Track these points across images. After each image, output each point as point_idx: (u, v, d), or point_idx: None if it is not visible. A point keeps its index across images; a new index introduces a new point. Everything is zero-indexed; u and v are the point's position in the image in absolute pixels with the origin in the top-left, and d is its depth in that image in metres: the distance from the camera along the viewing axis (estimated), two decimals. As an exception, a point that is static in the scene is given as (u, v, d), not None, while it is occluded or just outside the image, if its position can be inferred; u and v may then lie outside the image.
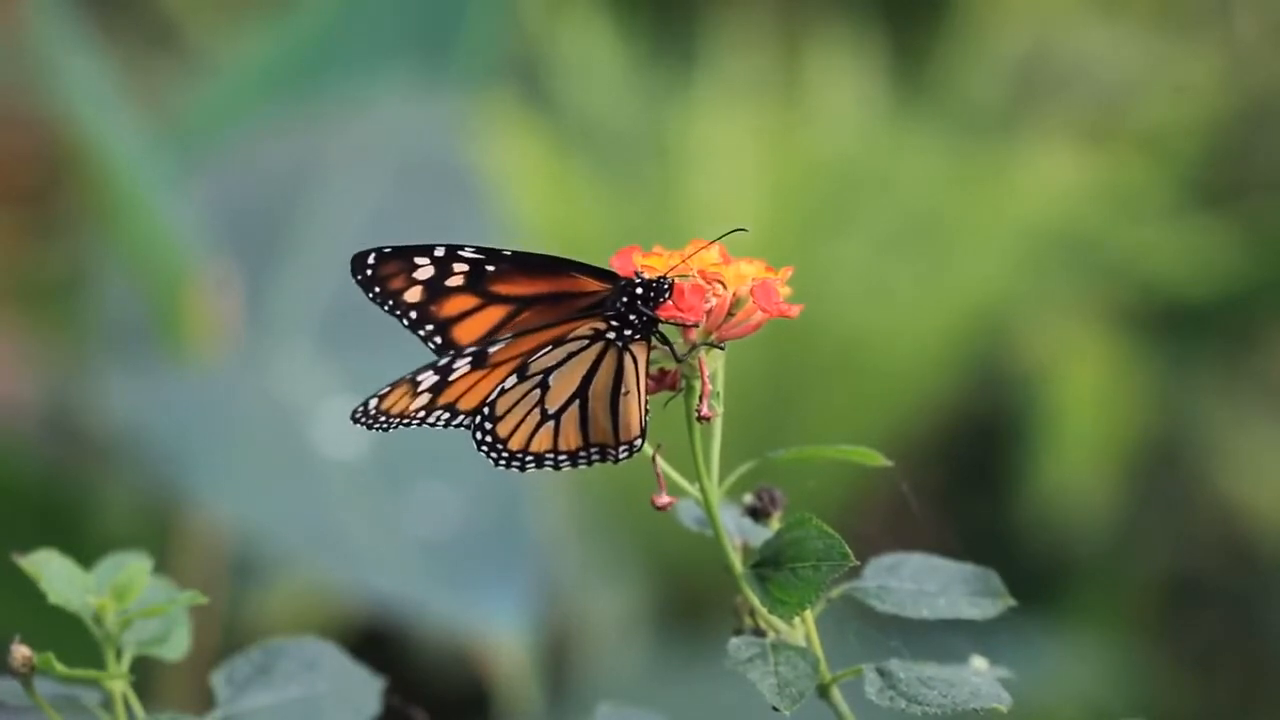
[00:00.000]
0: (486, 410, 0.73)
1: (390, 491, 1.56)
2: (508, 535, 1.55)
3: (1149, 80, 2.34)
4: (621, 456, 0.73)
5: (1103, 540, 2.12)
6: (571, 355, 0.73)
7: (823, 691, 0.73)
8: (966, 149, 2.17)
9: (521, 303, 0.74)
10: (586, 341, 0.72)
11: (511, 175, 1.99)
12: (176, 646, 0.77)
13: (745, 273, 0.73)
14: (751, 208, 2.06)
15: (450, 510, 1.55)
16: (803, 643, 0.73)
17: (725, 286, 0.72)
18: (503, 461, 0.73)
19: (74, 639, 0.79)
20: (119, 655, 0.75)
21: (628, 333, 0.72)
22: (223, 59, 2.11)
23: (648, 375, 0.73)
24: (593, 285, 0.73)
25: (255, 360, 1.67)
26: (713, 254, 0.73)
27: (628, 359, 0.72)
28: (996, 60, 2.31)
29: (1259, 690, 2.14)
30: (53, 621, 0.84)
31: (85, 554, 0.78)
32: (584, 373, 0.73)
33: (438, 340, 0.74)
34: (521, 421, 0.73)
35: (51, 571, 0.74)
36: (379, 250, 0.74)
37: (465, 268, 0.74)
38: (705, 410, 0.72)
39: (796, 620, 0.72)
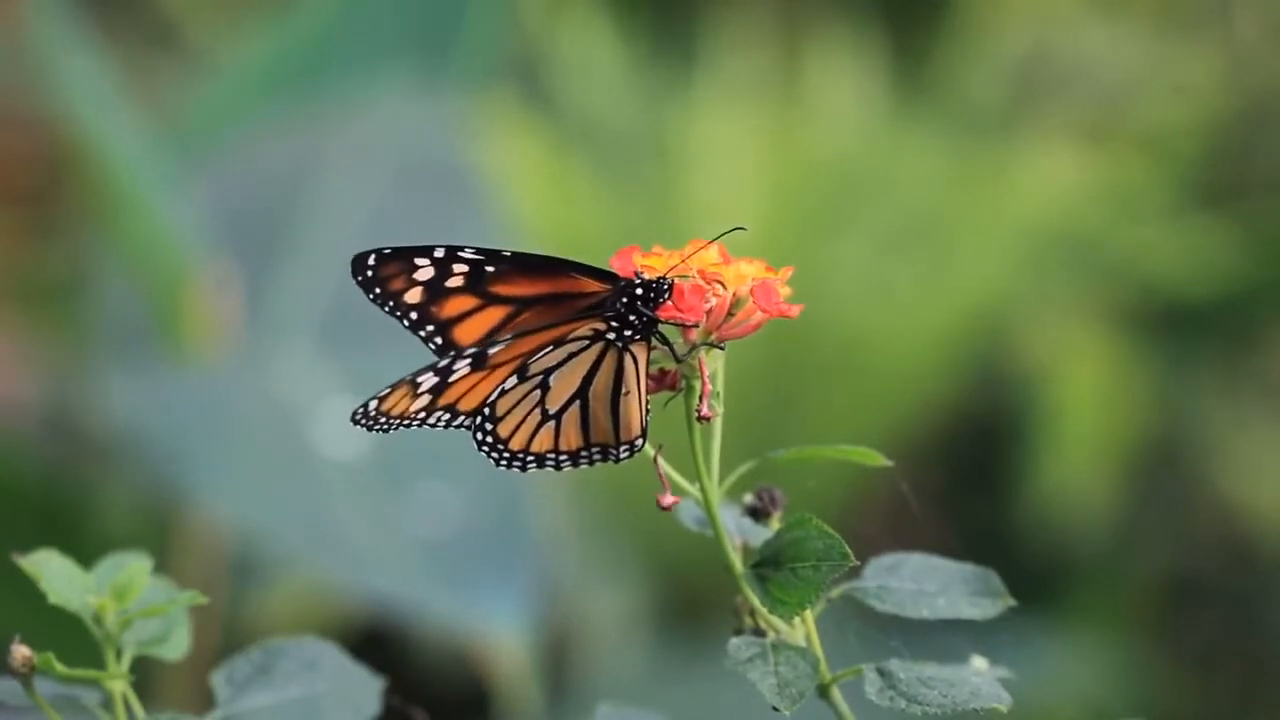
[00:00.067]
0: (487, 411, 0.73)
1: (390, 491, 1.56)
2: (508, 535, 1.55)
3: (1149, 80, 2.34)
4: (623, 456, 0.73)
5: (1103, 540, 2.12)
6: (572, 356, 0.73)
7: (823, 691, 0.73)
8: (966, 149, 2.17)
9: (521, 303, 0.74)
10: (587, 342, 0.72)
11: (511, 175, 1.99)
12: (176, 646, 0.77)
13: (745, 273, 0.73)
14: (751, 208, 2.06)
15: (450, 510, 1.55)
16: (803, 643, 0.73)
17: (725, 286, 0.72)
18: (504, 462, 0.73)
19: (74, 639, 0.79)
20: (119, 655, 0.75)
21: (628, 333, 0.72)
22: (223, 59, 2.11)
23: (648, 375, 0.73)
24: (593, 286, 0.73)
25: (255, 360, 1.67)
26: (712, 254, 0.73)
27: (628, 359, 0.72)
28: (996, 60, 2.31)
29: (1259, 690, 2.14)
30: (53, 621, 0.84)
31: (85, 554, 0.78)
32: (584, 373, 0.73)
33: (438, 341, 0.74)
34: (522, 422, 0.73)
35: (51, 571, 0.74)
36: (379, 251, 0.74)
37: (465, 268, 0.74)
38: (705, 410, 0.72)
39: (796, 620, 0.72)
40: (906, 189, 2.14)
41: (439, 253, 0.74)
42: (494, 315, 0.74)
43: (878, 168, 2.13)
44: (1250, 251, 2.17)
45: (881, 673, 0.72)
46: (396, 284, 0.74)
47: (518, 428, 0.73)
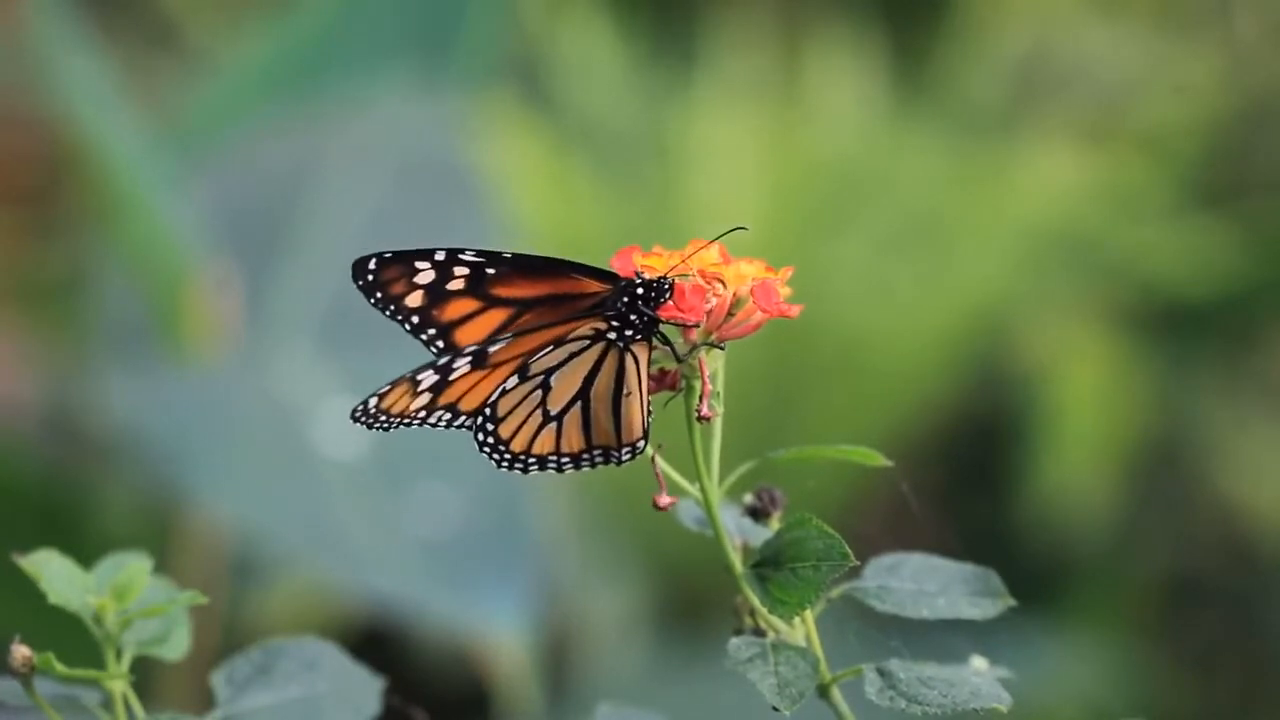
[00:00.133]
0: (488, 411, 0.73)
1: (390, 491, 1.56)
2: (508, 535, 1.55)
3: (1149, 80, 2.34)
4: (625, 458, 0.73)
5: (1103, 540, 2.12)
6: (573, 356, 0.73)
7: (823, 691, 0.73)
8: (966, 149, 2.17)
9: (522, 305, 0.74)
10: (588, 342, 0.72)
11: (511, 175, 1.99)
12: (176, 646, 0.77)
13: (745, 273, 0.73)
14: (751, 208, 2.06)
15: (450, 510, 1.55)
16: (803, 643, 0.73)
17: (725, 286, 0.72)
18: (505, 463, 0.73)
19: (74, 639, 0.79)
20: (119, 655, 0.75)
21: (629, 333, 0.72)
22: (223, 59, 2.11)
23: (648, 375, 0.73)
24: (593, 286, 0.73)
25: (255, 360, 1.67)
26: (713, 254, 0.73)
27: (629, 359, 0.72)
28: (996, 60, 2.31)
29: (1259, 690, 2.14)
30: (53, 621, 0.84)
31: (85, 554, 0.78)
32: (585, 373, 0.73)
33: (440, 344, 0.74)
34: (524, 423, 0.73)
35: (51, 571, 0.74)
36: (379, 255, 0.74)
37: (466, 271, 0.74)
38: (705, 410, 0.72)
39: (796, 620, 0.72)
40: (906, 189, 2.14)
41: (439, 256, 0.74)
42: (495, 318, 0.74)
43: (878, 168, 2.13)
44: (1250, 251, 2.17)
45: (881, 673, 0.72)
46: (397, 288, 0.74)
47: (519, 429, 0.73)
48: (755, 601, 0.72)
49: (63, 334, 1.99)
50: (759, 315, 0.73)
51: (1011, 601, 0.74)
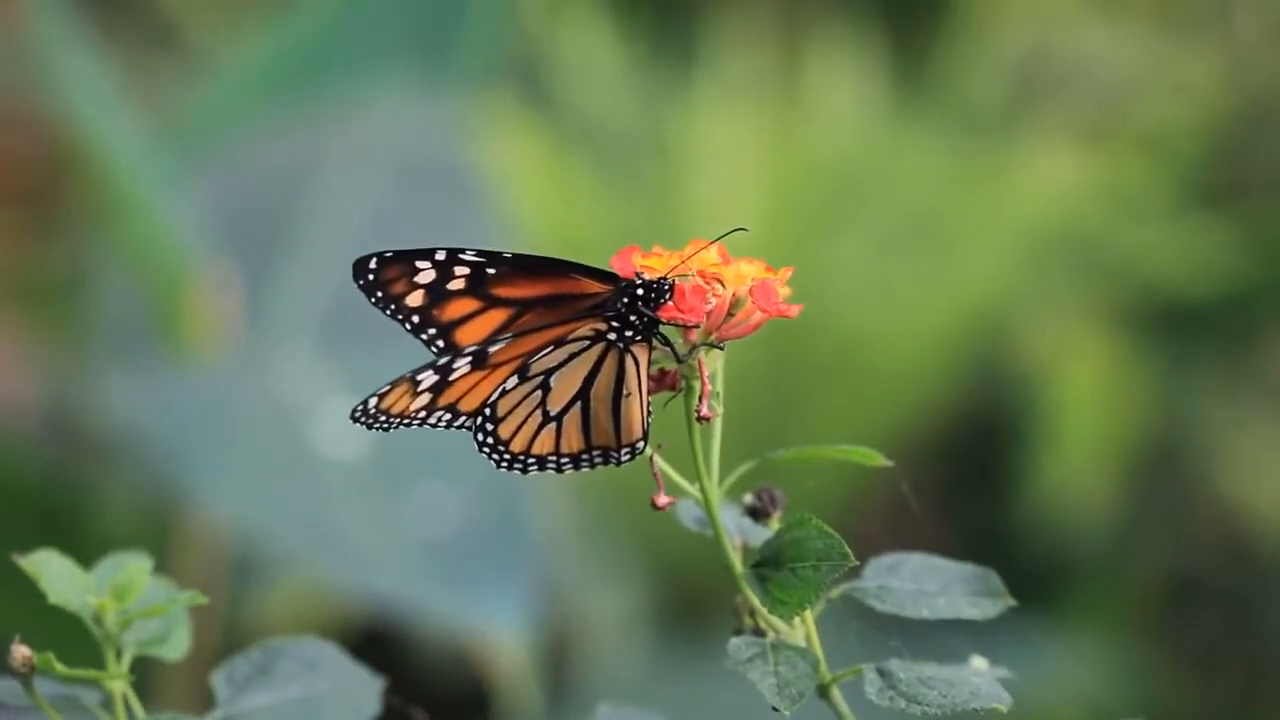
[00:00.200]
0: (488, 411, 0.73)
1: (390, 491, 1.56)
2: (508, 535, 1.55)
3: (1149, 80, 2.34)
4: (624, 459, 0.73)
5: (1103, 540, 2.12)
6: (573, 356, 0.73)
7: (823, 691, 0.73)
8: (966, 149, 2.17)
9: (523, 305, 0.74)
10: (588, 342, 0.72)
11: (511, 175, 1.99)
12: (176, 646, 0.77)
13: (745, 273, 0.73)
14: (751, 208, 2.06)
15: (450, 510, 1.55)
16: (803, 643, 0.73)
17: (725, 286, 0.72)
18: (505, 463, 0.73)
19: (74, 639, 0.79)
20: (119, 655, 0.75)
21: (629, 334, 0.72)
22: (223, 59, 2.11)
23: (648, 376, 0.73)
24: (594, 287, 0.73)
25: (255, 360, 1.67)
26: (712, 254, 0.73)
27: (629, 360, 0.72)
28: (996, 60, 2.31)
29: (1259, 690, 2.14)
30: (53, 621, 0.84)
31: (85, 554, 0.78)
32: (585, 374, 0.73)
33: (440, 344, 0.74)
34: (523, 423, 0.73)
35: (51, 571, 0.74)
36: (380, 255, 0.74)
37: (466, 271, 0.74)
38: (705, 410, 0.72)
39: (796, 620, 0.72)
40: (906, 189, 2.14)
41: (440, 255, 0.74)
42: (496, 317, 0.74)
43: (878, 168, 2.13)
44: (1250, 251, 2.17)
45: (881, 673, 0.72)
46: (398, 287, 0.74)
47: (519, 429, 0.73)
48: (755, 601, 0.72)
49: (63, 334, 1.99)
50: (759, 315, 0.73)
51: (1011, 601, 0.74)
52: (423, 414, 0.72)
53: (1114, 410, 2.14)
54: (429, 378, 0.72)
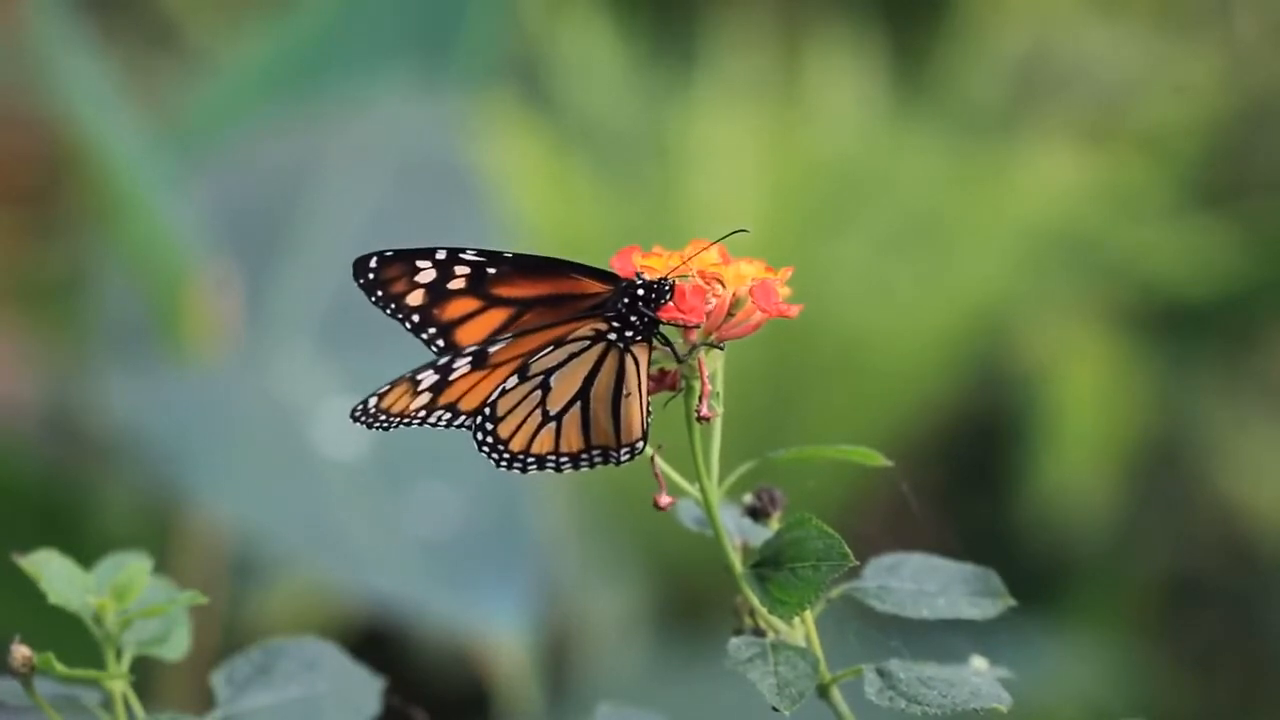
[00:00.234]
0: (488, 411, 0.73)
1: (390, 491, 1.56)
2: (508, 535, 1.55)
3: (1149, 80, 2.34)
4: (624, 458, 0.73)
5: (1103, 540, 2.12)
6: (573, 356, 0.73)
7: (823, 691, 0.73)
8: (966, 149, 2.17)
9: (523, 305, 0.74)
10: (588, 343, 0.72)
11: (511, 175, 1.99)
12: (176, 646, 0.77)
13: (745, 273, 0.73)
14: (751, 208, 2.06)
15: (450, 510, 1.55)
16: (803, 643, 0.73)
17: (725, 286, 0.72)
18: (504, 462, 0.73)
19: (74, 639, 0.79)
20: (119, 655, 0.75)
21: (629, 334, 0.72)
22: (223, 59, 2.11)
23: (648, 376, 0.73)
24: (594, 287, 0.73)
25: (255, 360, 1.67)
26: (712, 254, 0.73)
27: (629, 360, 0.72)
28: (996, 60, 2.31)
29: (1259, 690, 2.14)
30: (53, 621, 0.84)
31: (85, 554, 0.78)
32: (585, 374, 0.73)
33: (440, 343, 0.74)
34: (523, 423, 0.73)
35: (51, 571, 0.74)
36: (380, 254, 0.74)
37: (467, 270, 0.74)
38: (705, 410, 0.72)
39: (796, 620, 0.72)
40: (906, 189, 2.14)
41: (440, 255, 0.74)
42: (496, 317, 0.74)
43: (878, 168, 2.13)
44: (1250, 251, 2.17)
45: (881, 673, 0.72)
46: (398, 286, 0.74)
47: (518, 428, 0.73)
48: (755, 601, 0.72)
49: (63, 334, 1.99)
50: (759, 315, 0.73)
51: (1011, 601, 0.74)
52: (423, 413, 0.72)
53: (1114, 410, 2.14)
54: (429, 377, 0.72)
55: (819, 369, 2.05)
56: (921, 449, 2.15)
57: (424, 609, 1.53)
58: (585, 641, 1.92)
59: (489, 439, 0.73)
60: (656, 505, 0.73)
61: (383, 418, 0.72)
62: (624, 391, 0.72)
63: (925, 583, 0.75)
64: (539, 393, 0.73)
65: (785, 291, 0.73)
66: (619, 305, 0.72)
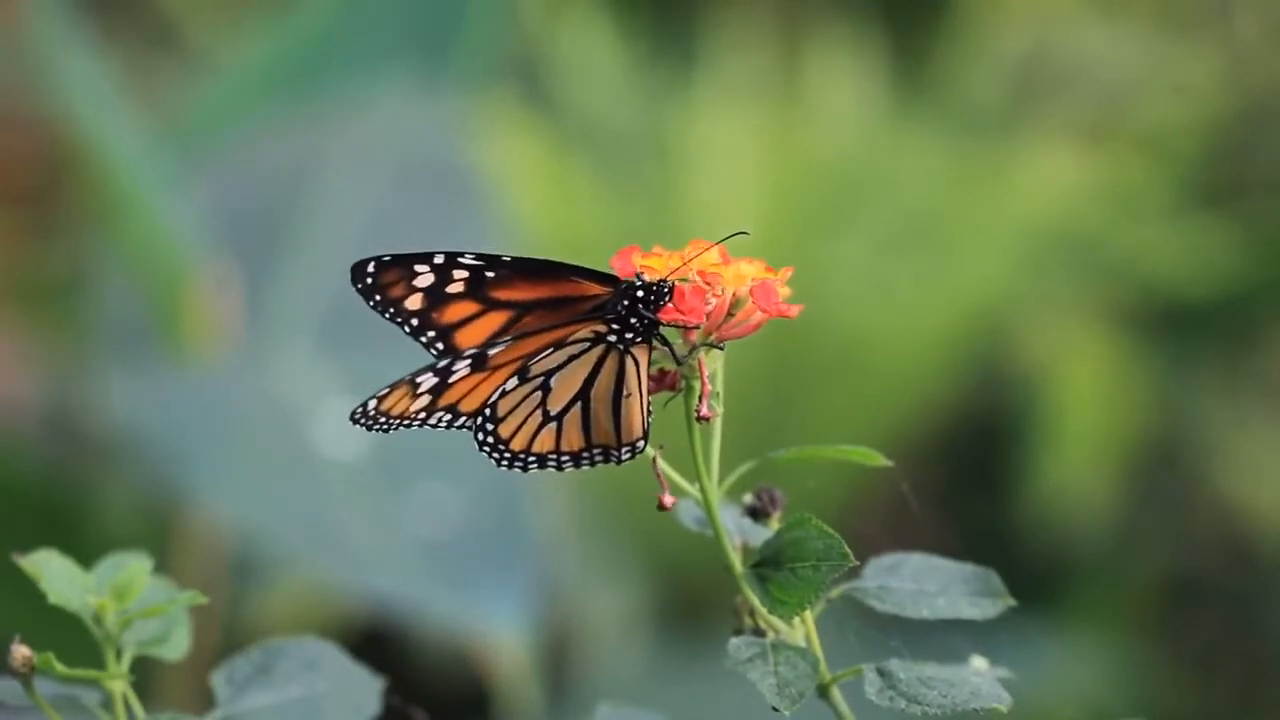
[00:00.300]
0: (488, 411, 0.73)
1: (390, 491, 1.56)
2: (508, 535, 1.55)
3: (1149, 80, 2.34)
4: (624, 458, 0.73)
5: (1103, 540, 2.12)
6: (573, 358, 0.73)
7: (823, 691, 0.73)
8: (966, 149, 2.17)
9: (522, 308, 0.74)
10: (588, 344, 0.72)
11: (511, 175, 1.99)
12: (176, 646, 0.77)
13: (745, 273, 0.73)
14: (751, 208, 2.06)
15: (450, 510, 1.55)
16: (803, 643, 0.73)
17: (725, 287, 0.72)
18: (505, 462, 0.73)
19: (74, 639, 0.79)
20: (119, 655, 0.75)
21: (629, 335, 0.72)
22: (223, 59, 2.11)
23: (648, 376, 0.73)
24: (593, 289, 0.73)
25: (255, 360, 1.67)
26: (712, 254, 0.73)
27: (629, 361, 0.72)
28: (996, 60, 2.31)
29: (1259, 690, 2.14)
30: (53, 621, 0.84)
31: (85, 554, 0.78)
32: (586, 375, 0.73)
33: (439, 347, 0.74)
34: (524, 423, 0.73)
35: (51, 571, 0.74)
36: (378, 259, 0.74)
37: (465, 274, 0.74)
38: (705, 411, 0.72)
39: (796, 620, 0.72)
40: (906, 189, 2.14)
41: (438, 259, 0.74)
42: (495, 320, 0.74)
43: (878, 168, 2.13)
44: (1250, 251, 2.17)
45: (881, 673, 0.72)
46: (396, 291, 0.74)
47: (519, 428, 0.73)
48: (755, 601, 0.72)
49: (63, 334, 1.99)
50: (759, 315, 0.73)
51: (1011, 601, 0.74)
52: (423, 415, 0.72)
53: (1114, 410, 2.14)
54: (428, 380, 0.72)
55: (819, 369, 2.05)
56: (921, 449, 2.15)
57: (424, 609, 1.53)
58: (585, 641, 1.92)
59: (490, 439, 0.73)
60: (661, 506, 0.73)
61: (383, 420, 0.72)
62: (624, 392, 0.72)
63: (925, 583, 0.75)
64: (539, 394, 0.73)
65: (785, 291, 0.73)
66: (618, 307, 0.72)
